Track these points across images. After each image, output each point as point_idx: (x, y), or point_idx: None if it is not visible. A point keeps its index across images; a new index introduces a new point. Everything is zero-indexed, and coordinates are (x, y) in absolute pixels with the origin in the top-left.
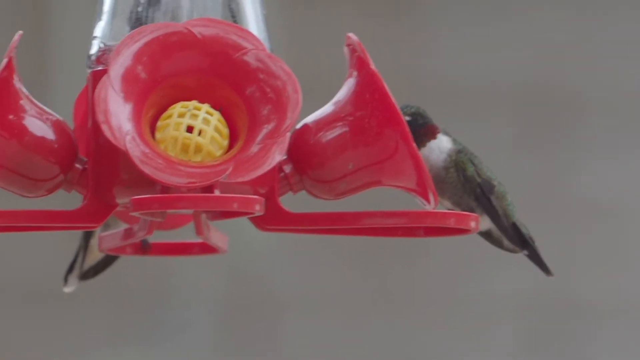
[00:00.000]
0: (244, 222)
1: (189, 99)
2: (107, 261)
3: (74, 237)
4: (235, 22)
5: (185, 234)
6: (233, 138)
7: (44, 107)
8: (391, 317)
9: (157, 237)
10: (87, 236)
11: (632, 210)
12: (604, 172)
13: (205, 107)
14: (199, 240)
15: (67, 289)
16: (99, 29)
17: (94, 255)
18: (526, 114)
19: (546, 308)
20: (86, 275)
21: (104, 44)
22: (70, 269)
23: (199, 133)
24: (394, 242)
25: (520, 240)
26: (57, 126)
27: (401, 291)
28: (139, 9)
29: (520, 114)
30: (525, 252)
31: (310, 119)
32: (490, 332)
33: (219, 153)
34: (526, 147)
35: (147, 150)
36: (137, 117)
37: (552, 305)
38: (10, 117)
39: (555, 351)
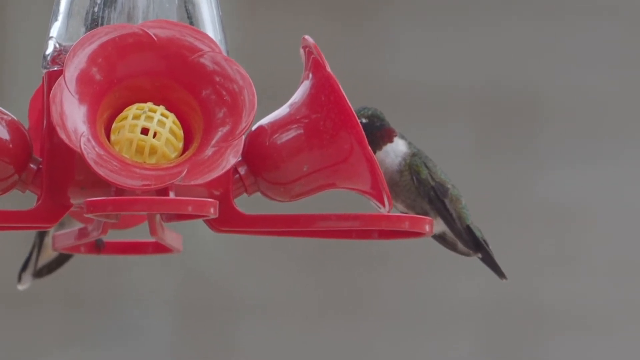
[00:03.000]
0: (198, 223)
1: (145, 101)
2: (61, 259)
3: (27, 239)
4: (191, 24)
5: (140, 233)
6: (188, 140)
7: None
8: (349, 322)
9: (111, 236)
10: (41, 234)
11: (590, 215)
12: (563, 177)
13: (161, 109)
14: (154, 239)
15: (21, 287)
16: (55, 29)
17: (48, 253)
18: (485, 118)
19: (505, 313)
20: (40, 273)
21: (60, 44)
22: (24, 267)
23: (154, 135)
24: (353, 245)
25: (474, 244)
26: (12, 126)
27: (359, 296)
28: (95, 9)
29: (479, 119)
30: (479, 255)
31: (265, 120)
32: (449, 338)
33: (174, 155)
34: (485, 152)
35: (102, 152)
36: (92, 118)
37: (511, 310)
38: None
39: (514, 356)
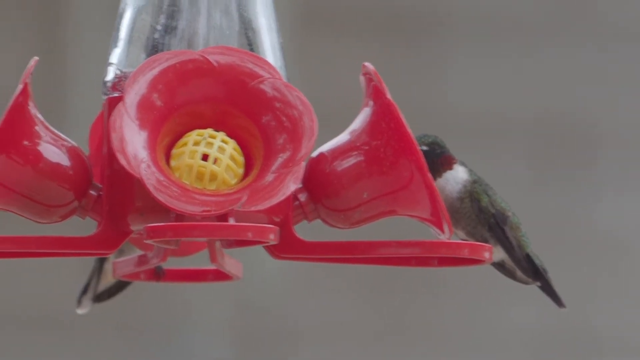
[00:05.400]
0: (257, 250)
1: (205, 127)
2: (122, 285)
3: (85, 265)
4: (252, 50)
5: (200, 261)
6: (248, 166)
7: (59, 133)
8: (405, 349)
9: (171, 264)
10: (102, 259)
11: None
12: (621, 205)
13: (221, 135)
14: (214, 266)
15: (80, 311)
16: (115, 56)
17: (108, 279)
18: (542, 146)
19: (561, 341)
20: (100, 297)
21: (120, 71)
22: (84, 291)
23: (214, 161)
24: (409, 272)
25: (533, 272)
26: (72, 152)
27: (415, 323)
28: (156, 35)
29: (536, 146)
30: (538, 283)
31: (325, 147)
32: None
33: (234, 181)
34: (542, 180)
35: (162, 178)
36: (152, 144)
37: (566, 338)
38: (25, 143)
39: None
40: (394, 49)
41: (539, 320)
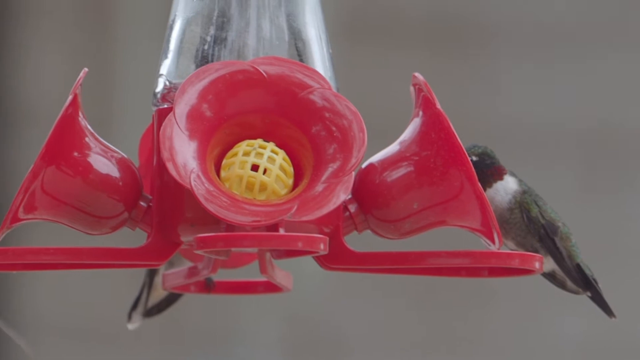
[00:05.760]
0: (306, 261)
1: (254, 138)
2: (171, 299)
3: (132, 276)
4: (301, 60)
5: (250, 272)
6: (298, 177)
7: (109, 145)
8: None
9: (221, 276)
10: (152, 273)
11: None
12: None
13: (271, 145)
14: (264, 278)
15: (131, 326)
16: (165, 67)
17: (158, 293)
18: (594, 157)
19: (612, 353)
20: (150, 312)
21: (170, 82)
22: (134, 306)
23: (264, 172)
24: (458, 283)
25: (583, 282)
26: (122, 164)
27: (464, 333)
28: (205, 47)
29: (588, 158)
30: (589, 293)
31: (375, 158)
32: None
33: (283, 192)
34: (594, 190)
35: (211, 189)
36: (202, 155)
37: (618, 349)
38: (75, 154)
39: None
40: (445, 59)
41: (590, 331)
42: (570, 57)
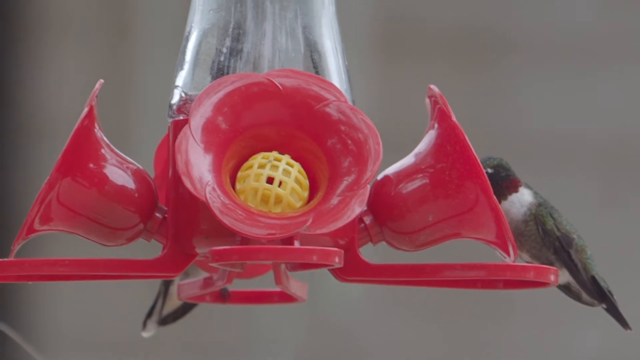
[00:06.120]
0: (324, 271)
1: (270, 150)
2: (186, 308)
3: (151, 288)
4: (317, 73)
5: (265, 282)
6: (313, 189)
7: (125, 156)
8: None
9: (237, 286)
10: (167, 282)
11: None
12: None
13: (286, 158)
14: (279, 289)
15: (146, 334)
16: (181, 78)
17: (173, 302)
18: (612, 168)
19: None
20: (165, 321)
21: (185, 94)
22: (149, 314)
23: (279, 184)
24: (478, 295)
25: (599, 294)
26: (138, 175)
27: (484, 346)
28: (221, 58)
29: (606, 169)
30: (604, 305)
31: (390, 170)
32: None
33: (299, 204)
34: (612, 202)
35: (227, 201)
36: (217, 167)
37: None
38: (91, 165)
39: None
40: (466, 72)
41: (607, 343)
42: (590, 69)
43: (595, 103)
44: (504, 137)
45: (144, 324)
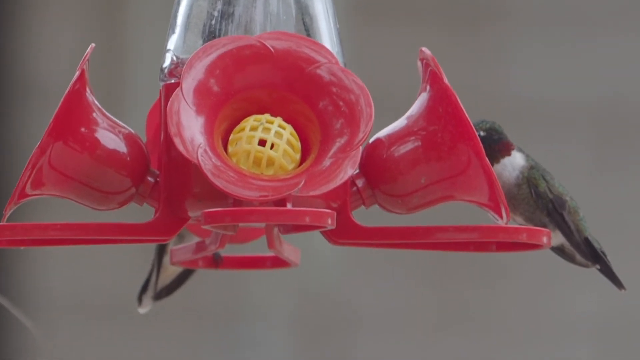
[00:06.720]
0: (317, 237)
1: (262, 112)
2: (180, 279)
3: (148, 253)
4: (308, 35)
5: (258, 248)
6: (305, 152)
7: (117, 120)
8: (466, 336)
9: (229, 251)
10: (160, 255)
11: None
12: None
13: (278, 120)
14: (272, 253)
15: (142, 310)
16: (172, 42)
17: (167, 273)
18: (605, 133)
19: (623, 326)
20: (160, 294)
21: (177, 57)
22: (144, 289)
23: (272, 146)
24: (469, 259)
25: (592, 255)
26: (130, 139)
27: (477, 309)
28: (212, 22)
29: (599, 133)
30: (598, 266)
31: (382, 133)
32: (568, 353)
33: (291, 166)
34: (606, 166)
35: (219, 164)
36: (209, 130)
37: (630, 326)
38: (83, 130)
39: None
40: (455, 36)
41: (602, 306)
42: (583, 33)
43: (588, 67)
44: (495, 102)
45: (140, 300)
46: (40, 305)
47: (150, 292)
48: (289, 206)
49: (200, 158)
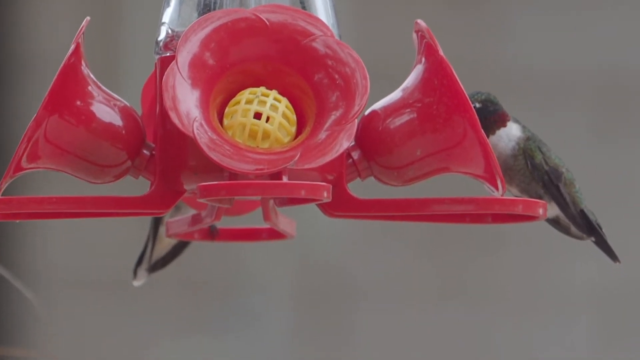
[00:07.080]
0: (315, 209)
1: (257, 86)
2: (176, 251)
3: (144, 226)
4: (304, 8)
5: (253, 220)
6: (301, 125)
7: (112, 93)
8: (465, 307)
9: (225, 223)
10: (156, 227)
11: None
12: None
13: (273, 93)
14: (267, 225)
15: (137, 283)
16: (167, 15)
17: (163, 245)
18: (604, 103)
19: (620, 297)
20: (155, 267)
21: (172, 30)
22: (139, 262)
23: (267, 120)
24: (469, 230)
25: (587, 227)
26: (125, 112)
27: (475, 280)
28: None
29: (598, 104)
30: (593, 238)
31: (378, 105)
32: (567, 324)
33: (286, 139)
34: (603, 137)
35: (214, 137)
36: (204, 103)
37: (625, 294)
38: (78, 103)
39: (631, 340)
40: (453, 4)
41: (602, 276)
42: (583, 3)
43: (586, 38)
44: (493, 72)
45: (135, 273)
46: (40, 277)
47: (144, 265)
48: (284, 179)
49: (195, 131)
